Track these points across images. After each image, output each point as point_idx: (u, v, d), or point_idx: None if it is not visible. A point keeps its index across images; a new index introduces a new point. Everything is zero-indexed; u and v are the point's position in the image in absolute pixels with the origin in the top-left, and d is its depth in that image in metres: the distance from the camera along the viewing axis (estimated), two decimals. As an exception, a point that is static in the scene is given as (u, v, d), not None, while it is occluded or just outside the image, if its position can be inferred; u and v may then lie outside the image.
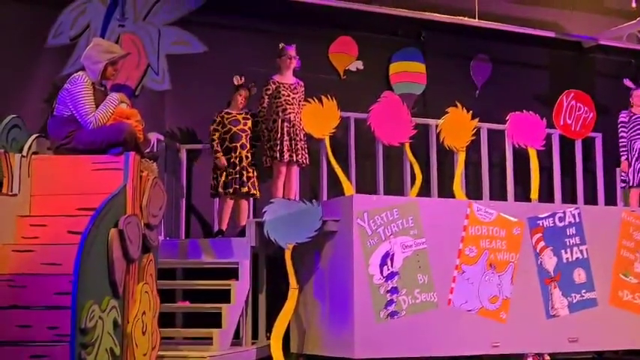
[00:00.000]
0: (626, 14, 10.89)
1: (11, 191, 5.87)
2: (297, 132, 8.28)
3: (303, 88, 8.49)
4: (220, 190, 8.13)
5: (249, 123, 8.35)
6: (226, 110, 8.36)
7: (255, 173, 8.28)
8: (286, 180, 8.34)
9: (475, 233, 7.95)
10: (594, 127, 9.41)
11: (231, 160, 8.17)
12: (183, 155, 8.82)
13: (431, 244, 7.71)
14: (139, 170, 5.95)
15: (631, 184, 9.37)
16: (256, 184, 8.27)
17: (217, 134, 8.25)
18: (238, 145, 8.22)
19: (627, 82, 9.65)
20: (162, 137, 8.54)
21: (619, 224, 8.60)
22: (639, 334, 8.43)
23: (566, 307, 8.19)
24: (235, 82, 8.43)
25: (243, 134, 8.27)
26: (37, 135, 6.27)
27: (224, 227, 8.26)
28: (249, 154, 8.27)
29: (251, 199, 8.54)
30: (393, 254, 7.58)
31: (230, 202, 8.26)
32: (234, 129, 8.24)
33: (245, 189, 8.16)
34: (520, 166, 9.28)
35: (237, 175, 8.14)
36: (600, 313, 8.32)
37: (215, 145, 8.22)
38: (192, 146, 8.93)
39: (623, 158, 9.45)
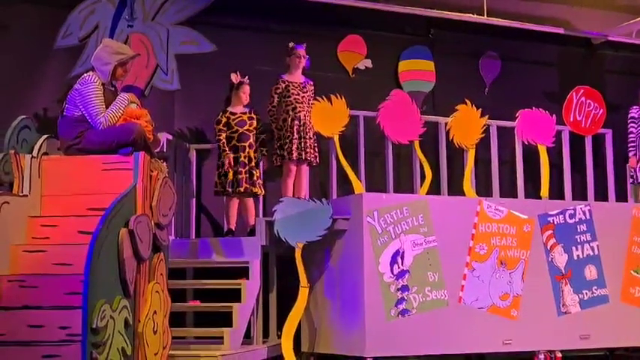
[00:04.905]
0: (636, 10, 10.83)
1: (22, 192, 5.90)
2: (307, 131, 8.28)
3: (312, 87, 8.49)
4: (228, 189, 8.10)
5: (255, 123, 8.32)
6: (230, 110, 8.30)
7: (259, 173, 8.29)
8: (296, 179, 8.34)
9: (485, 230, 7.94)
10: (604, 123, 9.40)
11: (240, 160, 8.15)
12: (193, 155, 8.83)
13: (441, 241, 7.70)
14: (148, 170, 5.97)
15: (640, 180, 9.35)
16: (261, 183, 8.29)
17: (223, 134, 8.20)
18: (247, 144, 8.19)
19: None
20: (171, 137, 8.55)
21: (630, 220, 8.58)
22: (651, 331, 8.42)
23: (577, 303, 8.18)
24: (234, 80, 8.35)
25: (250, 134, 8.25)
26: (47, 136, 6.30)
27: (233, 226, 8.25)
28: (255, 154, 8.27)
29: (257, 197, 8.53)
30: (403, 252, 7.58)
31: (236, 201, 8.24)
32: (242, 129, 8.22)
33: (255, 189, 8.16)
34: (530, 163, 9.26)
35: (247, 175, 8.13)
36: (612, 310, 8.30)
37: (222, 145, 8.16)
38: (202, 146, 8.92)
39: (631, 154, 9.39)
